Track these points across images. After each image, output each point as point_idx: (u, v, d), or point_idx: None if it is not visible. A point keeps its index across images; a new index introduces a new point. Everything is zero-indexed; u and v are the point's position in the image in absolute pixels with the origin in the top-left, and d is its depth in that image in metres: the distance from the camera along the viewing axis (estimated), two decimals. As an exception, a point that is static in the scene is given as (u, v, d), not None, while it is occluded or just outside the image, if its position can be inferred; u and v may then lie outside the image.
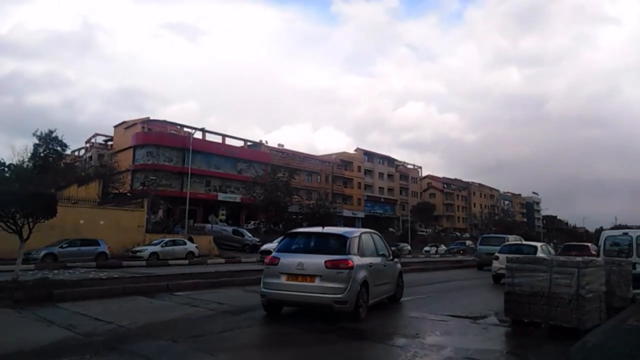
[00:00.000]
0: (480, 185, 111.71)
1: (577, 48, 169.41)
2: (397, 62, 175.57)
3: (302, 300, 7.93)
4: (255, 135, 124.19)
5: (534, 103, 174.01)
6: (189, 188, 42.27)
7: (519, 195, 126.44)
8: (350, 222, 73.55)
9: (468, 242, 59.53)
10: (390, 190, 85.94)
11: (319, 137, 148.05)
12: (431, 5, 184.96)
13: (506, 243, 18.25)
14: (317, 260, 7.89)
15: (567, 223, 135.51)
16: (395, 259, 10.66)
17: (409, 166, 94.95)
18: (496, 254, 16.22)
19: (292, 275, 7.90)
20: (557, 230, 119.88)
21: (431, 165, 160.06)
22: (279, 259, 8.18)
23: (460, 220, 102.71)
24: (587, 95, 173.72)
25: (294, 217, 58.37)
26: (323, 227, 9.29)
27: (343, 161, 78.37)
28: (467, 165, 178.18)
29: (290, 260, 8.06)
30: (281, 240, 9.23)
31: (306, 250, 8.40)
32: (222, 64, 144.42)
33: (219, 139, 59.66)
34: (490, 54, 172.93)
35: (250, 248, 36.79)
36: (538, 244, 17.32)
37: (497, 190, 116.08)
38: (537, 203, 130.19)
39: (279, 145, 70.75)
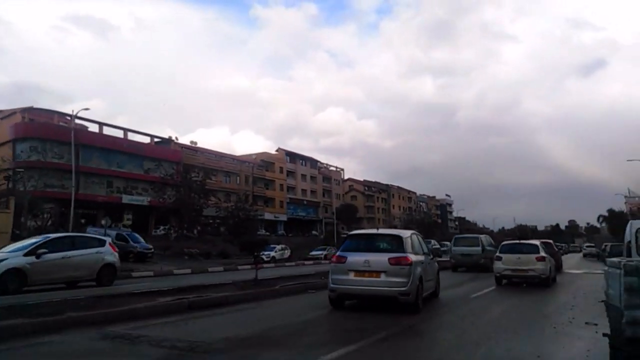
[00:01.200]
0: (399, 187, 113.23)
1: (484, 62, 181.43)
2: (316, 67, 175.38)
3: (371, 293, 8.82)
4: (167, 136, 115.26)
5: (446, 112, 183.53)
6: (73, 187, 36.05)
7: (434, 197, 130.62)
8: (272, 225, 69.69)
9: None
10: (313, 192, 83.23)
11: (237, 140, 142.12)
12: (349, 15, 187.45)
13: (505, 242, 16.96)
14: (381, 258, 8.82)
15: (475, 224, 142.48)
16: (435, 258, 11.58)
17: (331, 168, 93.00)
18: (498, 254, 15.55)
19: (359, 272, 8.81)
20: (468, 231, 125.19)
21: (351, 170, 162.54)
22: (346, 257, 9.08)
23: (380, 222, 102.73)
24: (492, 105, 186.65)
25: (211, 221, 53.40)
26: (377, 228, 10.78)
27: (264, 162, 74.22)
28: (384, 170, 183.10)
29: (357, 258, 8.94)
30: (344, 241, 10.31)
31: (369, 249, 9.28)
32: (134, 62, 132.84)
33: (120, 134, 52.61)
34: (405, 63, 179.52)
35: (136, 257, 29.04)
36: (537, 242, 16.79)
37: (415, 193, 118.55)
38: (450, 205, 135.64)
39: (192, 142, 64.85)
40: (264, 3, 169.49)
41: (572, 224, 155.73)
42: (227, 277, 17.58)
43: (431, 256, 11.00)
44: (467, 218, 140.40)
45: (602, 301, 10.68)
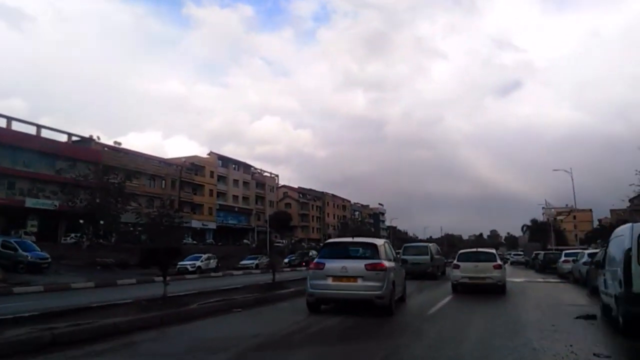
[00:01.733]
0: (334, 195, 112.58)
1: (413, 77, 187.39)
2: (252, 74, 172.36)
3: (349, 296, 9.55)
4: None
5: (376, 125, 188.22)
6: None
7: (368, 206, 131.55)
8: (199, 234, 65.52)
9: (312, 252, 50.89)
10: (245, 198, 79.84)
11: (170, 146, 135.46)
12: (286, 20, 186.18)
13: (462, 251, 17.04)
14: (358, 264, 9.57)
15: (406, 233, 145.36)
16: (401, 265, 12.53)
17: (265, 174, 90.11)
18: (456, 262, 15.67)
19: (337, 277, 9.48)
20: (401, 240, 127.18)
21: (286, 178, 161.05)
22: (324, 264, 9.77)
23: (314, 231, 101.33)
24: (418, 120, 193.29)
25: (131, 228, 48.70)
26: (353, 237, 11.40)
27: (194, 165, 69.91)
28: (319, 179, 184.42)
29: (334, 264, 9.62)
30: (321, 249, 11.47)
31: (346, 256, 10.05)
32: (54, 56, 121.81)
33: (32, 131, 46.82)
34: (340, 75, 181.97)
35: (27, 267, 25.15)
36: (494, 250, 17.44)
37: (349, 201, 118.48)
38: (383, 214, 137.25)
39: (115, 143, 59.57)
40: (198, 2, 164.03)
41: (494, 234, 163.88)
42: (136, 292, 14.58)
43: (400, 263, 11.83)
44: (398, 227, 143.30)
45: (579, 317, 9.12)
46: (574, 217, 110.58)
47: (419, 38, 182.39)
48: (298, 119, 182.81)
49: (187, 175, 67.32)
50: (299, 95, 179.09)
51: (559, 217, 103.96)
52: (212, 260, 33.76)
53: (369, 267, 9.36)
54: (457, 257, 16.20)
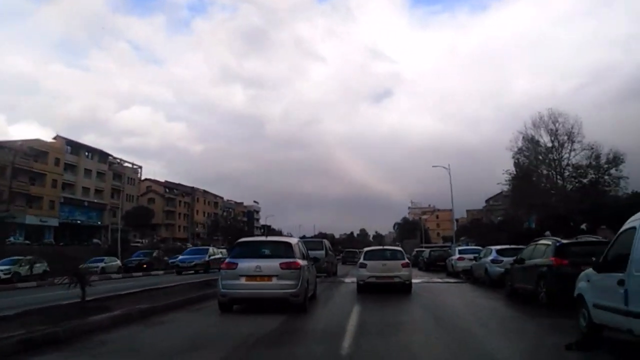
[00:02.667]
0: (205, 191, 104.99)
1: (293, 77, 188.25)
2: (117, 59, 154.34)
3: (263, 295, 9.57)
4: None
5: (256, 123, 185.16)
6: None
7: (241, 203, 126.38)
8: (36, 232, 54.16)
9: (155, 252, 41.01)
10: (99, 191, 68.91)
11: (18, 132, 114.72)
12: (157, 6, 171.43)
13: (369, 249, 16.50)
14: (272, 263, 9.56)
15: (281, 231, 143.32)
16: (313, 264, 12.68)
17: (126, 164, 79.56)
18: (362, 261, 14.77)
19: (251, 277, 9.46)
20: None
21: (157, 174, 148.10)
22: (237, 263, 9.67)
23: (181, 230, 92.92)
24: (296, 120, 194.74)
25: None
26: (267, 236, 12.88)
27: (34, 150, 57.84)
28: (192, 176, 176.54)
29: (248, 264, 9.57)
30: (233, 248, 11.17)
31: (260, 255, 9.96)
32: None
33: None
34: (217, 68, 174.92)
35: None
36: (400, 248, 17.28)
37: (222, 198, 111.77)
38: (258, 212, 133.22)
39: None
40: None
41: (363, 232, 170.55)
42: None
43: (311, 262, 12.05)
44: (272, 226, 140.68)
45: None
46: (437, 217, 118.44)
47: (299, 39, 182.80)
48: (172, 110, 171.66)
49: (23, 161, 55.41)
50: (173, 86, 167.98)
51: (423, 217, 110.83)
52: (37, 265, 25.82)
53: (283, 266, 9.44)
54: (363, 255, 15.47)
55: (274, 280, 9.28)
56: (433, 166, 48.24)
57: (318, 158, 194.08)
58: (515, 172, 41.84)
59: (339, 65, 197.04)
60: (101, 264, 31.36)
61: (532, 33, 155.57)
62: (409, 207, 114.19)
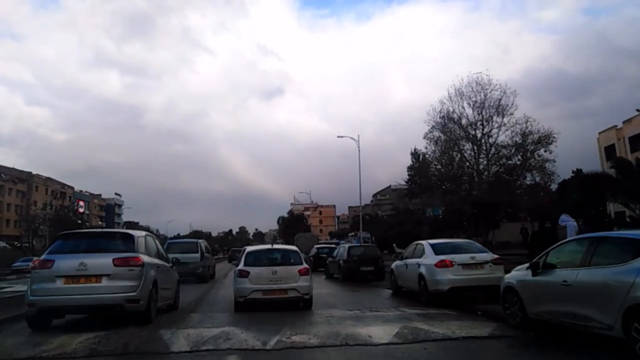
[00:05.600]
0: (49, 179, 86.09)
1: (178, 67, 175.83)
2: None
3: (88, 302, 7.27)
4: None
5: (132, 112, 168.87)
6: None
7: (99, 195, 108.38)
8: None
9: None
10: None
11: None
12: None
13: (251, 250, 11.55)
14: (102, 260, 7.46)
15: (148, 228, 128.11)
16: (174, 267, 10.48)
17: None
18: (243, 267, 10.39)
19: (72, 278, 7.26)
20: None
21: (7, 163, 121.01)
22: (54, 260, 7.43)
23: (11, 224, 73.98)
24: (180, 113, 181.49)
25: None
26: (103, 228, 12.33)
27: None
28: (55, 167, 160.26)
29: (69, 261, 7.37)
30: (52, 242, 8.30)
31: (87, 250, 7.77)
32: None
33: None
34: (91, 51, 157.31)
35: None
36: (295, 248, 12.67)
37: (72, 188, 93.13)
38: (120, 206, 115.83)
39: None
40: None
41: (243, 230, 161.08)
42: None
43: (171, 264, 10.13)
44: (140, 223, 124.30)
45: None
46: (320, 213, 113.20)
47: (187, 28, 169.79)
48: (33, 93, 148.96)
49: None
50: (35, 66, 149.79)
51: (306, 213, 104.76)
52: None
53: (118, 263, 7.41)
54: (244, 258, 10.84)
55: (104, 282, 7.24)
56: (338, 136, 43.76)
57: (202, 153, 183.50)
58: (418, 156, 38.98)
59: (229, 59, 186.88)
60: None
61: (411, 46, 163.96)
62: (291, 204, 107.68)
